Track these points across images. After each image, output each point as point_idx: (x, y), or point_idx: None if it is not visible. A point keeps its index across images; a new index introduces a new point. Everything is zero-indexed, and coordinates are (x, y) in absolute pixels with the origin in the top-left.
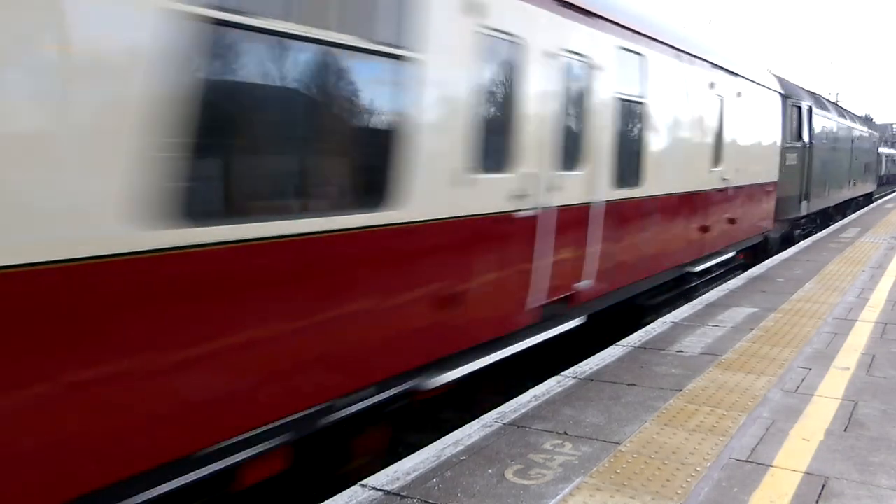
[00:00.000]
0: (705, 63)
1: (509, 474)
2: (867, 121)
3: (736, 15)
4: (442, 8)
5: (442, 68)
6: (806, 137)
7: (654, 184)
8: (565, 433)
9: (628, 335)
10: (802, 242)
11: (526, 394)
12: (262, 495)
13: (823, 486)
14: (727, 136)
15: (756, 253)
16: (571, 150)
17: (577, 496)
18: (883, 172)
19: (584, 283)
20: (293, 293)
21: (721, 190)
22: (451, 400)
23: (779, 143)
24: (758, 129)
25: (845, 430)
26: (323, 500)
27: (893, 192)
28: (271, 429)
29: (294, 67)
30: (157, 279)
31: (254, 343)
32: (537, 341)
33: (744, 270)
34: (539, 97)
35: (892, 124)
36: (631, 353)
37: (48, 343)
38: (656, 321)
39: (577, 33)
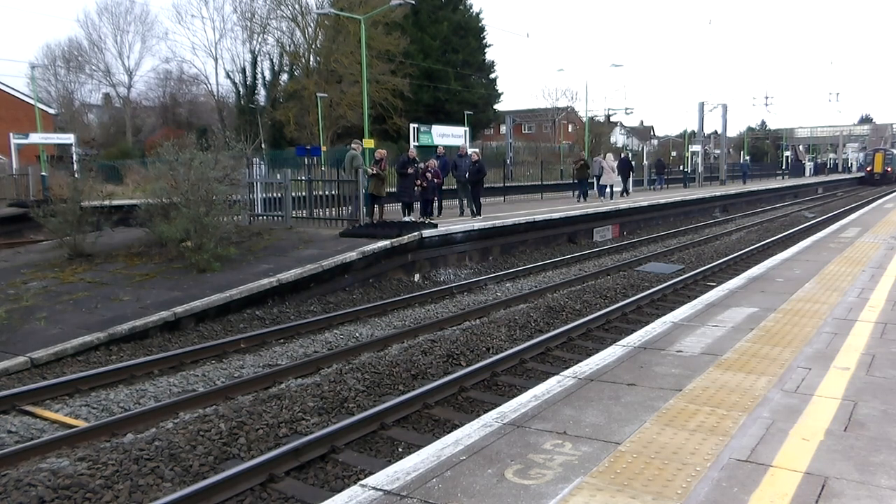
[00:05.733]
0: None
1: (509, 474)
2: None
3: (735, 15)
4: None
5: None
6: None
7: None
8: (565, 433)
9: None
10: (802, 242)
11: (526, 394)
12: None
13: (823, 486)
14: None
15: None
16: None
17: (578, 496)
18: None
19: None
20: None
21: None
22: (452, 400)
23: None
24: None
25: (845, 430)
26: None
27: (893, 192)
28: None
29: None
30: None
31: None
32: None
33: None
34: None
35: (892, 124)
36: (631, 353)
37: None
38: (656, 321)
39: None
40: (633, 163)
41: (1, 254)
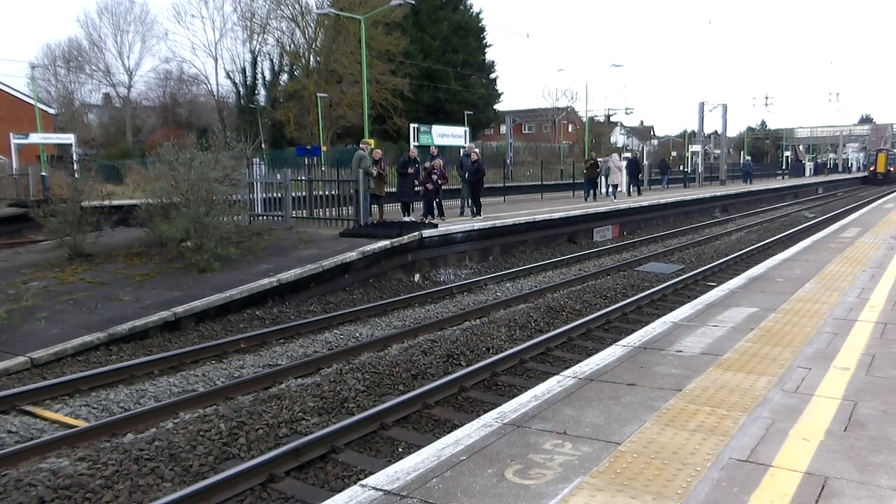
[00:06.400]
0: None
1: (509, 474)
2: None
3: (735, 15)
4: None
5: None
6: None
7: None
8: (565, 433)
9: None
10: (802, 242)
11: (526, 393)
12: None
13: (823, 486)
14: None
15: None
16: None
17: (578, 496)
18: None
19: None
20: None
21: None
22: (452, 400)
23: None
24: None
25: (845, 430)
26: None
27: (894, 192)
28: None
29: None
30: None
31: None
32: None
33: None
34: None
35: (892, 124)
36: (631, 353)
37: None
38: (656, 321)
39: None
40: (640, 163)
41: (1, 254)
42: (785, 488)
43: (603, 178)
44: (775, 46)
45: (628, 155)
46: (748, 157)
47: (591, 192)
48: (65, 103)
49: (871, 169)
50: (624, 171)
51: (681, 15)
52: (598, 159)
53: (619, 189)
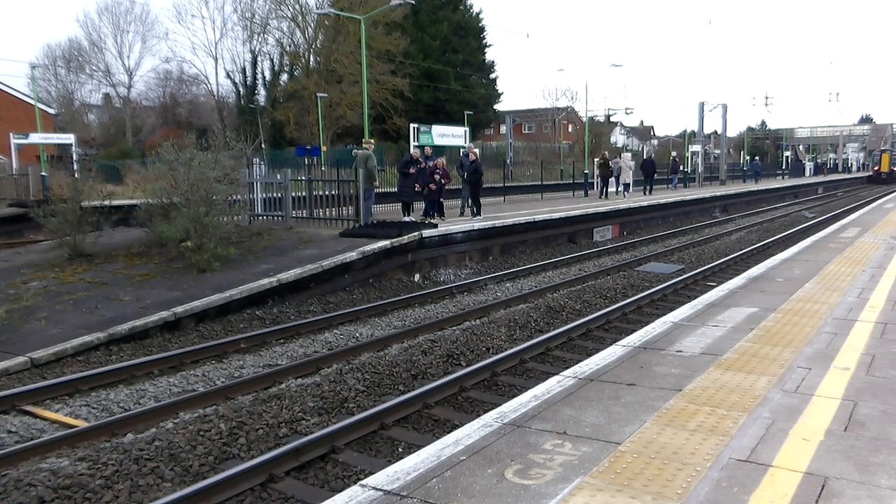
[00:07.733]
0: None
1: (509, 474)
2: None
3: (735, 15)
4: None
5: None
6: None
7: None
8: (565, 433)
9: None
10: (802, 242)
11: (526, 394)
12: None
13: (823, 486)
14: None
15: None
16: None
17: (578, 496)
18: None
19: None
20: None
21: None
22: (452, 400)
23: None
24: None
25: (845, 430)
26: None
27: (893, 192)
28: None
29: None
30: None
31: None
32: None
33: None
34: None
35: (892, 124)
36: (631, 353)
37: None
38: (656, 321)
39: None
40: (655, 162)
41: (1, 254)
42: (785, 488)
43: (614, 177)
44: (775, 46)
45: (628, 155)
46: (756, 158)
47: (604, 189)
48: (65, 103)
49: (876, 169)
50: (631, 171)
51: (681, 15)
52: (614, 159)
53: (629, 186)
